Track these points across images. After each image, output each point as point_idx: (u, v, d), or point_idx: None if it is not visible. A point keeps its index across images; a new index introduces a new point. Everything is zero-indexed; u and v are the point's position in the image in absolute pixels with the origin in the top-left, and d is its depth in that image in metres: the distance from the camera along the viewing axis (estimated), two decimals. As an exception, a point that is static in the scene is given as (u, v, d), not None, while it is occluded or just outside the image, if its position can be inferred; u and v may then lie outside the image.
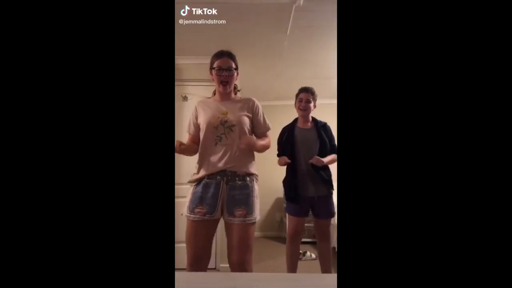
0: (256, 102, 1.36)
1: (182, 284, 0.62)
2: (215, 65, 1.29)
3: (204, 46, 2.24)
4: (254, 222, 1.23)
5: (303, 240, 3.20)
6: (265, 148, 1.34)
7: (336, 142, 1.86)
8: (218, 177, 1.22)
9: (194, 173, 1.28)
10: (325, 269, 1.88)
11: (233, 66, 1.29)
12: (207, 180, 1.23)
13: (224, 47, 1.33)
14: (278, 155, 1.88)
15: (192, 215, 1.21)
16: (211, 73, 1.33)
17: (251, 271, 1.22)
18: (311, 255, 2.82)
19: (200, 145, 1.30)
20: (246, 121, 1.28)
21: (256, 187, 1.29)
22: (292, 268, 1.86)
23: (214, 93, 1.41)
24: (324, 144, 1.79)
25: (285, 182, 1.86)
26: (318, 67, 2.72)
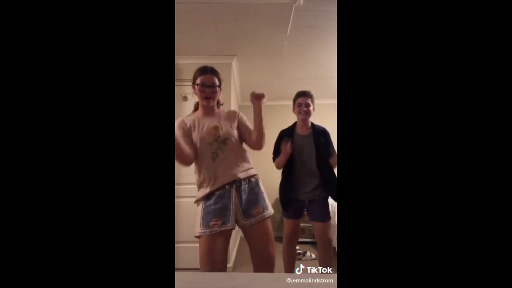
0: (240, 113, 1.39)
1: (182, 284, 0.62)
2: (198, 81, 1.28)
3: (204, 46, 2.24)
4: (270, 216, 1.26)
5: (303, 240, 3.21)
6: (262, 131, 1.28)
7: (334, 149, 1.86)
8: (227, 187, 1.22)
9: (200, 191, 1.26)
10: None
11: (217, 83, 1.29)
12: (217, 192, 1.22)
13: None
14: (274, 159, 1.88)
15: (208, 230, 1.16)
16: (193, 87, 1.33)
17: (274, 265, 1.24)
18: (311, 255, 2.82)
19: (196, 163, 1.26)
20: (236, 133, 1.29)
21: (260, 184, 1.32)
22: (289, 269, 1.87)
23: (195, 109, 1.39)
24: (319, 151, 1.79)
25: (280, 186, 1.87)
26: (318, 67, 2.71)
